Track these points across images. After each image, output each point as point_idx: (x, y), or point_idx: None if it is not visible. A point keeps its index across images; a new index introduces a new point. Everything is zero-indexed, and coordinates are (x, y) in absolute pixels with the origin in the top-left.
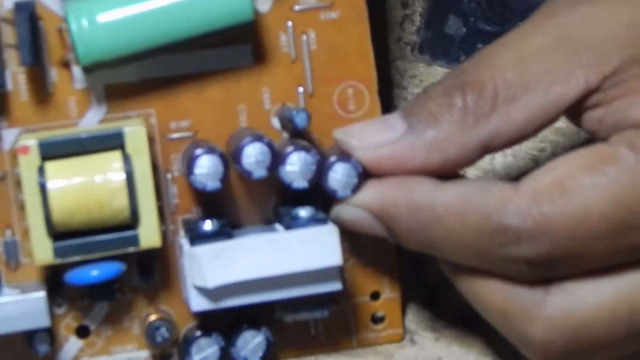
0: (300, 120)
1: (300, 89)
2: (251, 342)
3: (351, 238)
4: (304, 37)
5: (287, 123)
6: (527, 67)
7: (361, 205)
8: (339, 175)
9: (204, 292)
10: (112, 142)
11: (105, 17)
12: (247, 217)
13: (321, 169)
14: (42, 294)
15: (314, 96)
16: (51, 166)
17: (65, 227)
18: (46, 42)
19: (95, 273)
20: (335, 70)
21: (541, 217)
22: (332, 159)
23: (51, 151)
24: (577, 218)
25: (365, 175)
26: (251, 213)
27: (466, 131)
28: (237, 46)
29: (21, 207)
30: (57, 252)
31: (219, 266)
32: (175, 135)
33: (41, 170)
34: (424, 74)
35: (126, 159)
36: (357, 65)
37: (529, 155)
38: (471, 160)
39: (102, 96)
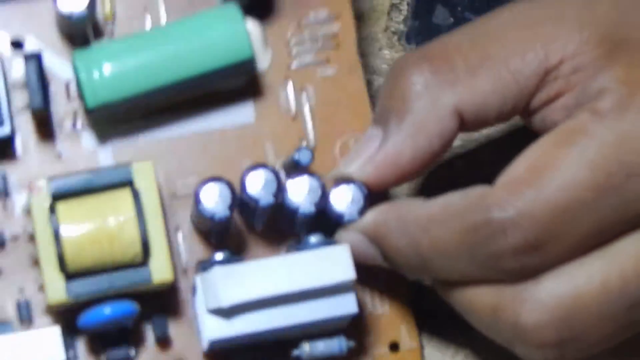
0: (304, 157)
1: (303, 143)
2: None
3: (367, 287)
4: (304, 93)
5: (291, 166)
6: (485, 44)
7: (357, 229)
8: (345, 198)
9: (219, 316)
10: (121, 178)
11: (111, 65)
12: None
13: (327, 195)
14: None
15: (316, 149)
16: (62, 207)
17: (78, 266)
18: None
19: (107, 311)
20: (335, 123)
21: (521, 203)
22: (337, 183)
23: (61, 190)
24: (557, 194)
25: (370, 197)
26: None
27: (435, 103)
28: (239, 103)
29: (35, 263)
30: (70, 292)
31: (233, 285)
32: (180, 192)
33: (53, 211)
34: None
35: (135, 194)
36: (357, 116)
37: None
38: (452, 130)
39: (109, 158)
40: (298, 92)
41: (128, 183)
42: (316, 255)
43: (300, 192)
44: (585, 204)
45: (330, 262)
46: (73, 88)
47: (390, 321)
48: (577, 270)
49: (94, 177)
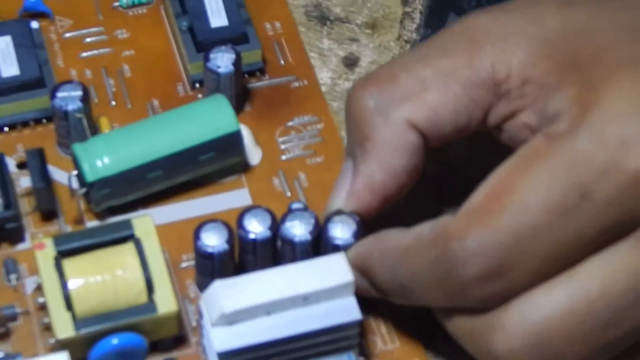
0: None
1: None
2: None
3: (376, 326)
4: (295, 180)
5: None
6: (434, 59)
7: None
8: (338, 225)
9: (224, 326)
10: (122, 231)
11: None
12: None
13: (320, 226)
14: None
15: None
16: (69, 264)
17: (85, 313)
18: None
19: (115, 342)
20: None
21: (479, 232)
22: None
23: (65, 245)
24: (514, 220)
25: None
26: None
27: (387, 122)
28: (236, 191)
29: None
30: (78, 327)
31: (234, 293)
32: (185, 264)
33: (57, 260)
34: None
35: (137, 242)
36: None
37: None
38: (414, 143)
39: None
40: (290, 179)
41: (129, 234)
42: (313, 263)
43: (293, 222)
44: (542, 228)
45: (328, 268)
46: None
47: (402, 356)
48: (543, 295)
49: (97, 231)
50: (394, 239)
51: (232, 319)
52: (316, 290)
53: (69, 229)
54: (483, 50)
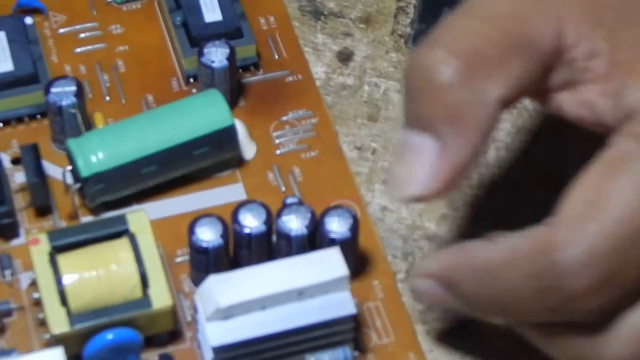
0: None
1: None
2: None
3: (370, 322)
4: (290, 175)
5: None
6: (505, 23)
7: (428, 275)
8: (334, 220)
9: (219, 321)
10: (117, 226)
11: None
12: None
13: (317, 220)
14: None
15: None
16: (63, 259)
17: (80, 309)
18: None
19: (110, 337)
20: (323, 195)
21: (585, 240)
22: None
23: (60, 240)
24: (618, 225)
25: (358, 217)
26: None
27: (481, 103)
28: (230, 185)
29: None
30: (72, 322)
31: (229, 288)
32: (180, 259)
33: (52, 256)
34: None
35: (132, 237)
36: (342, 187)
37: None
38: (498, 118)
39: None
40: (285, 173)
41: (123, 229)
42: (308, 258)
43: (290, 216)
44: None
45: (323, 263)
46: None
47: (397, 350)
48: None
49: (92, 226)
50: (483, 252)
51: (226, 313)
52: (311, 285)
53: (63, 224)
54: (549, 16)
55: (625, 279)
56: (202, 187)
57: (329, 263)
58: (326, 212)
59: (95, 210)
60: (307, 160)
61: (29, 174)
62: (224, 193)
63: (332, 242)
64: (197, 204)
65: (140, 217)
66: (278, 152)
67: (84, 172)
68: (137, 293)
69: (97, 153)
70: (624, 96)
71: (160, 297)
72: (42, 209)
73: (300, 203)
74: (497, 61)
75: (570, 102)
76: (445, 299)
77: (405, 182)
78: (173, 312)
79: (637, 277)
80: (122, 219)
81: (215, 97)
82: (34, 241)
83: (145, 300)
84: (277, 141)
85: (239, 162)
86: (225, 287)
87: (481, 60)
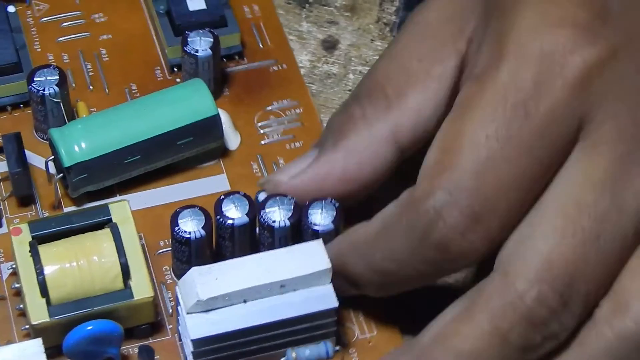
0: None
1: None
2: None
3: (353, 316)
4: (274, 165)
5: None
6: (403, 61)
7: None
8: (318, 211)
9: (200, 313)
10: (99, 216)
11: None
12: None
13: (300, 212)
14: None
15: None
16: (45, 250)
17: (60, 298)
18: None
19: (90, 328)
20: None
21: (444, 183)
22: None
23: (41, 230)
24: (472, 158)
25: (342, 209)
26: None
27: (370, 131)
28: (214, 176)
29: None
30: (52, 313)
31: (210, 280)
32: (162, 250)
33: (33, 245)
34: None
35: (114, 228)
36: None
37: None
38: (386, 158)
39: None
40: (269, 163)
41: (106, 219)
42: (291, 250)
43: (273, 208)
44: (499, 157)
45: (305, 255)
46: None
47: (379, 344)
48: (529, 233)
49: (74, 216)
50: (361, 229)
51: (207, 306)
52: (293, 278)
53: (45, 214)
54: (442, 37)
55: (494, 211)
56: (186, 177)
57: (311, 256)
58: (310, 204)
59: (77, 201)
60: (292, 150)
61: (11, 163)
62: (207, 184)
63: (315, 235)
64: (181, 195)
65: (123, 207)
66: (263, 142)
67: (67, 161)
68: (118, 284)
69: (80, 143)
70: (473, 52)
71: (142, 289)
72: (25, 199)
73: (284, 195)
74: (395, 97)
75: None
76: (341, 286)
77: (280, 170)
78: (154, 304)
79: (505, 207)
80: (104, 210)
81: (199, 87)
82: (15, 231)
83: (126, 291)
84: (262, 131)
85: (223, 152)
86: (206, 279)
87: (383, 96)
